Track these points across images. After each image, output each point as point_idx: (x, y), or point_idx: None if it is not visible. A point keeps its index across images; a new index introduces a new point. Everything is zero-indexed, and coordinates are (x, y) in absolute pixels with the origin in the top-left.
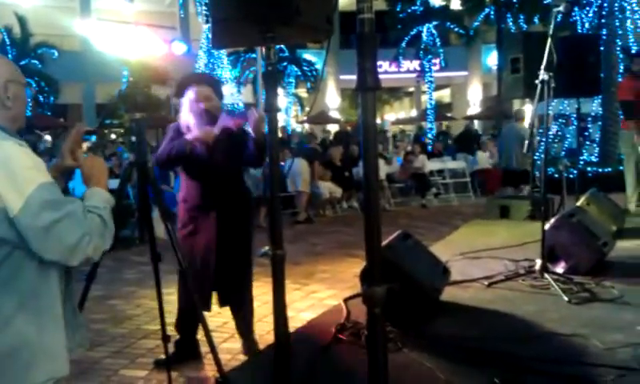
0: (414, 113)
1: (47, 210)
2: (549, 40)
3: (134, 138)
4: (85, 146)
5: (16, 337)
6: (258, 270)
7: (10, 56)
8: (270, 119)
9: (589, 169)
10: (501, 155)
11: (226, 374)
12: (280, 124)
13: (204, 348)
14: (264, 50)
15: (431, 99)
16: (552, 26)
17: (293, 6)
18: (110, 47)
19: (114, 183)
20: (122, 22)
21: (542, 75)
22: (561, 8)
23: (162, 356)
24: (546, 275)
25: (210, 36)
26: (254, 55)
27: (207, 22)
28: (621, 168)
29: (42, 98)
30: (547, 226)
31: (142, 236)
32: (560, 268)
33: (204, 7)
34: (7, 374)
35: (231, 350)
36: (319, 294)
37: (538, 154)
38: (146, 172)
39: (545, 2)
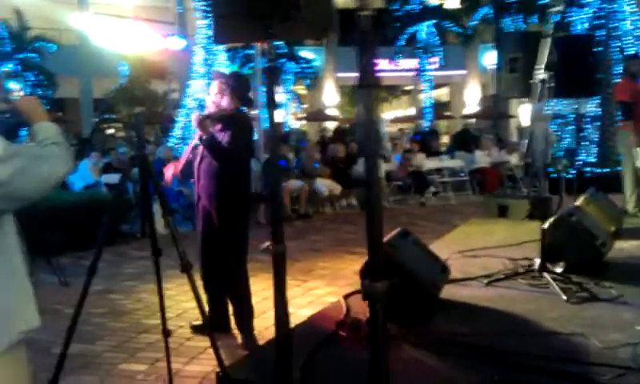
0: (411, 111)
1: (16, 158)
2: (547, 40)
3: (133, 133)
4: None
5: None
6: (256, 266)
7: (8, 48)
8: (271, 115)
9: (587, 169)
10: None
11: (226, 368)
12: (279, 120)
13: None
14: (263, 46)
15: (429, 98)
16: (551, 26)
17: (293, 3)
18: (107, 42)
19: (115, 177)
20: (120, 17)
21: (541, 75)
22: (558, 8)
23: (198, 322)
24: (545, 274)
25: (207, 32)
26: (251, 51)
27: (205, 17)
28: (619, 169)
29: (39, 92)
30: (546, 225)
31: (143, 231)
32: (559, 267)
33: (202, 2)
34: None
35: (231, 344)
36: (318, 291)
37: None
38: (147, 166)
39: (541, 2)
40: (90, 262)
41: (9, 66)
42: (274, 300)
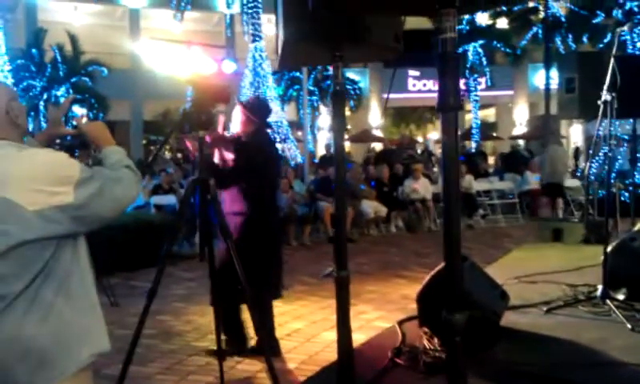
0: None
1: (93, 181)
2: (612, 60)
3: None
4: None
5: (58, 321)
6: (302, 288)
7: (61, 73)
8: (337, 139)
9: None
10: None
11: None
12: (324, 142)
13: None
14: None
15: (476, 118)
16: (615, 47)
17: (363, 25)
18: (161, 66)
19: (168, 199)
20: (172, 41)
21: (605, 95)
22: (625, 28)
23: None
24: (607, 301)
25: (255, 54)
26: (297, 74)
27: (254, 41)
28: None
29: (91, 115)
30: (608, 250)
31: (202, 254)
32: (620, 294)
33: (251, 26)
34: (53, 358)
35: (280, 368)
36: (367, 315)
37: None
38: (208, 189)
39: (594, 22)
40: (151, 285)
41: (61, 90)
42: (336, 327)
